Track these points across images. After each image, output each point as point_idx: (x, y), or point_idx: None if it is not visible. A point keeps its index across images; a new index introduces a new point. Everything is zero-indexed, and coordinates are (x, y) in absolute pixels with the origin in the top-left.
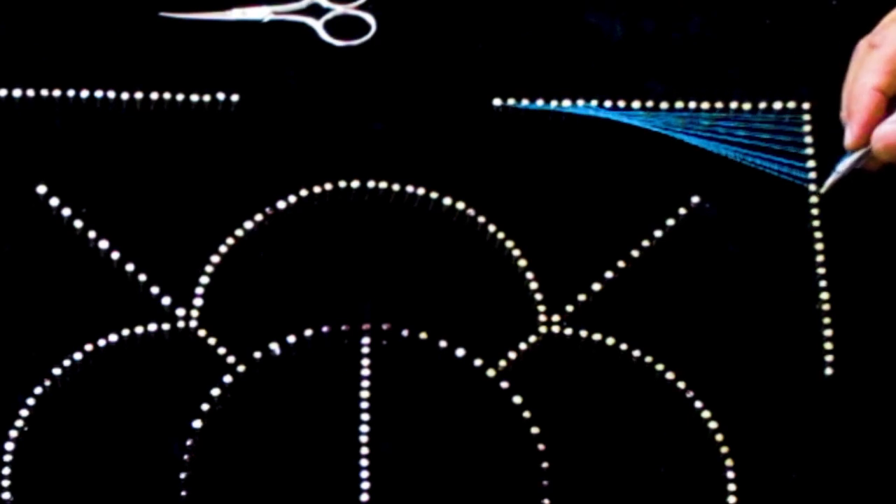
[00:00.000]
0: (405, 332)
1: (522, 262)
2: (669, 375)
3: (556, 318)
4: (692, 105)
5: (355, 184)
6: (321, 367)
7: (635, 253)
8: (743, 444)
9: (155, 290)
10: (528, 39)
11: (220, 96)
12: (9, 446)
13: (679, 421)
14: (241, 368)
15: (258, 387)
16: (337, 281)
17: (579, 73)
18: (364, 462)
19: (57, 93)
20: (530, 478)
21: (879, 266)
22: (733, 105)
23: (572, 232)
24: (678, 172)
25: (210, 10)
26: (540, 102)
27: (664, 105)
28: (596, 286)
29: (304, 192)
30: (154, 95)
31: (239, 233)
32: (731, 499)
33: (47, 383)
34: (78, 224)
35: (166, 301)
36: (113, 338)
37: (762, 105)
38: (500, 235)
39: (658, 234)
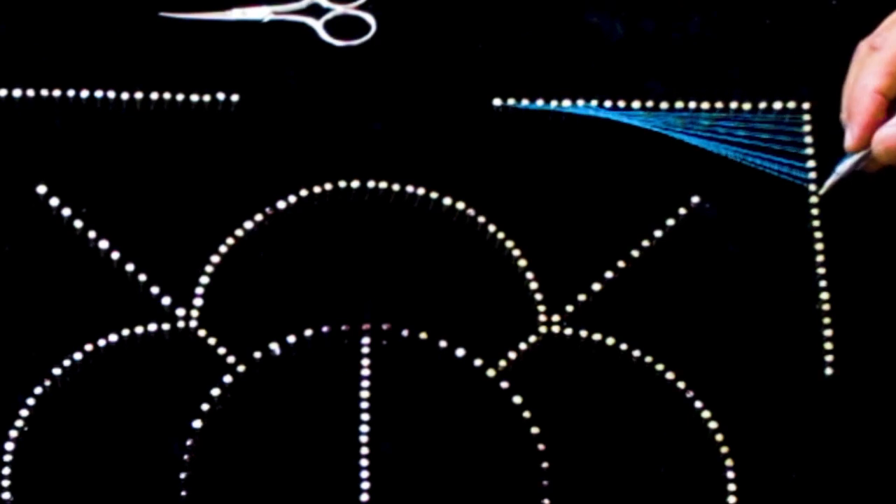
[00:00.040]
0: (405, 332)
1: (522, 262)
2: (669, 375)
3: (556, 318)
4: (692, 105)
5: (355, 184)
6: (321, 367)
7: (635, 253)
8: (743, 444)
9: (155, 290)
10: (528, 39)
11: (220, 96)
12: (9, 446)
13: (679, 421)
14: (241, 368)
15: (258, 387)
16: (337, 281)
17: (579, 73)
18: (364, 462)
19: (57, 93)
20: (530, 478)
21: (879, 266)
22: (733, 105)
23: (572, 232)
24: (678, 172)
25: (210, 10)
26: (540, 102)
27: (664, 105)
28: (596, 286)
29: (304, 192)
30: (154, 95)
31: (239, 233)
32: (731, 499)
33: (47, 383)
34: (78, 224)
35: (166, 301)
36: (113, 338)
37: (762, 105)
38: (500, 235)
39: (658, 234)
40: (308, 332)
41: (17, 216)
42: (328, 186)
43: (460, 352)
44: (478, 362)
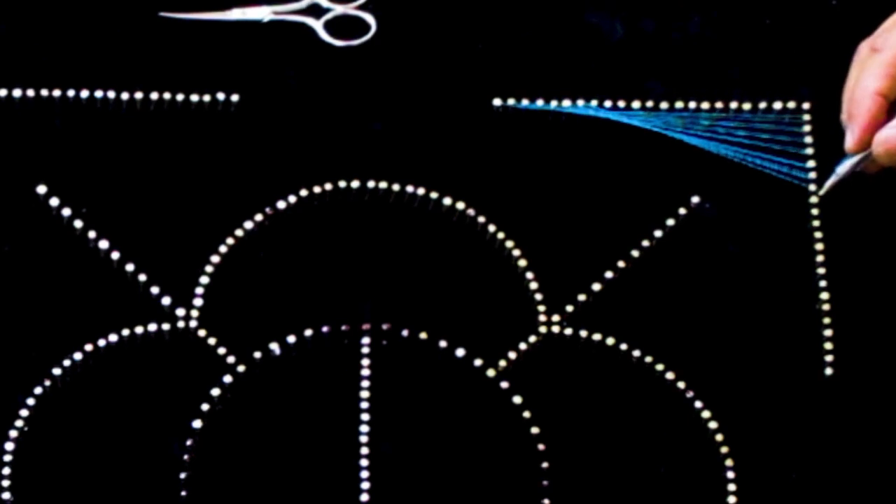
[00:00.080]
0: (405, 332)
1: (522, 262)
2: (669, 375)
3: (556, 318)
4: (692, 105)
5: (355, 184)
6: (321, 367)
7: (635, 253)
8: (743, 444)
9: (155, 290)
10: (528, 39)
11: (220, 96)
12: (9, 446)
13: (679, 421)
14: (241, 368)
15: (258, 387)
16: (337, 281)
17: (579, 73)
18: (364, 462)
19: (57, 93)
20: (530, 478)
21: (879, 266)
22: (733, 105)
23: (572, 232)
24: (678, 172)
25: (210, 10)
26: (540, 102)
27: (664, 105)
28: (596, 286)
29: (304, 192)
30: (154, 95)
31: (239, 233)
32: (731, 499)
33: (47, 383)
34: (78, 224)
35: (166, 301)
36: (113, 338)
37: (762, 105)
38: (500, 235)
39: (658, 234)
40: (308, 332)
41: (17, 216)
42: (328, 186)
43: (460, 352)
44: (478, 362)
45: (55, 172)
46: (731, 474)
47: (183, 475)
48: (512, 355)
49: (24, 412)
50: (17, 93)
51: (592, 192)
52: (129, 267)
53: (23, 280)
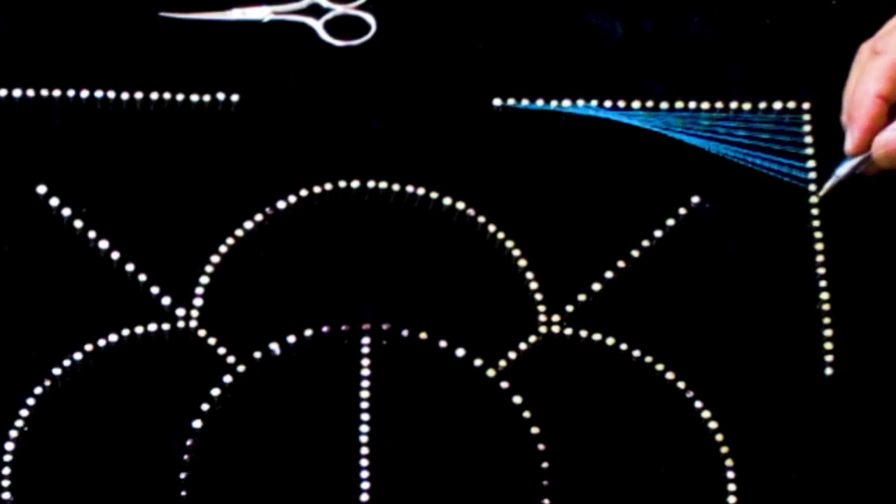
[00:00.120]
0: (405, 332)
1: (522, 262)
2: (669, 375)
3: (556, 318)
4: (692, 105)
5: (355, 184)
6: (321, 367)
7: (635, 253)
8: (743, 444)
9: (155, 290)
10: (528, 39)
11: (220, 96)
12: (9, 446)
13: (679, 421)
14: (241, 368)
15: (258, 387)
16: (337, 281)
17: (579, 73)
18: (364, 462)
19: (57, 93)
20: (530, 478)
21: (879, 266)
22: (733, 105)
23: (572, 232)
24: (678, 172)
25: (210, 10)
26: (540, 102)
27: (664, 105)
28: (596, 286)
29: (304, 192)
30: (154, 95)
31: (239, 233)
32: (731, 499)
33: (47, 383)
34: (78, 224)
35: (166, 301)
36: (113, 338)
37: (762, 105)
38: (500, 235)
39: (658, 234)
40: (308, 332)
41: (17, 216)
42: (328, 186)
43: (460, 352)
44: (478, 362)
45: (55, 172)
46: (731, 474)
47: (183, 475)
48: (512, 355)
49: (24, 412)
50: (17, 93)
51: (592, 192)
52: (129, 267)
53: (23, 280)
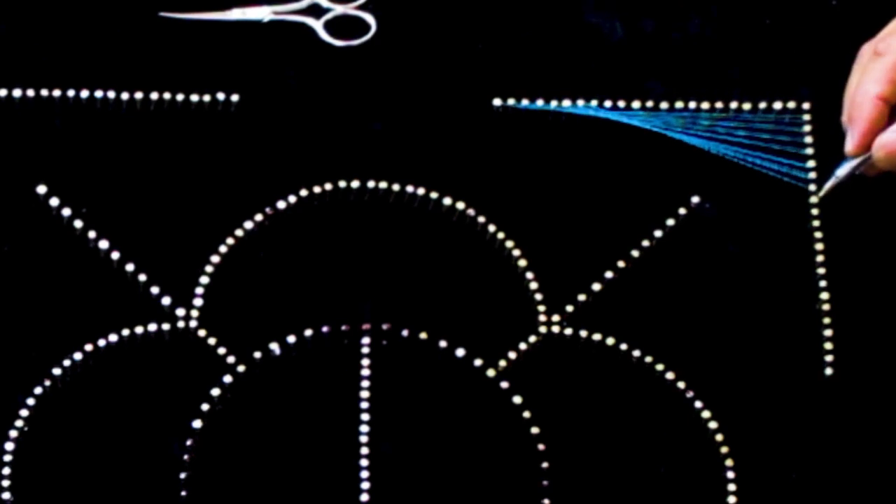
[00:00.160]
0: (405, 332)
1: (522, 262)
2: (669, 375)
3: (556, 318)
4: (692, 105)
5: (355, 184)
6: (321, 367)
7: (635, 253)
8: (743, 444)
9: (155, 290)
10: (528, 39)
11: (220, 96)
12: (9, 446)
13: (679, 421)
14: (241, 368)
15: (258, 387)
16: (337, 281)
17: (579, 73)
18: (364, 462)
19: (57, 93)
20: (530, 478)
21: (879, 266)
22: (733, 105)
23: (572, 232)
24: (678, 172)
25: (210, 10)
26: (540, 102)
27: (664, 105)
28: (596, 286)
29: (304, 192)
30: (154, 95)
31: (239, 233)
32: (731, 499)
33: (47, 383)
34: (78, 224)
35: (166, 301)
36: (113, 338)
37: (762, 105)
38: (500, 235)
39: (658, 234)
40: (308, 332)
41: (17, 216)
42: (328, 186)
43: (460, 352)
44: (478, 362)
45: (55, 172)
46: (731, 474)
47: (183, 475)
48: (512, 355)
49: (24, 412)
50: (17, 93)
51: (592, 192)
52: (129, 267)
53: (23, 280)
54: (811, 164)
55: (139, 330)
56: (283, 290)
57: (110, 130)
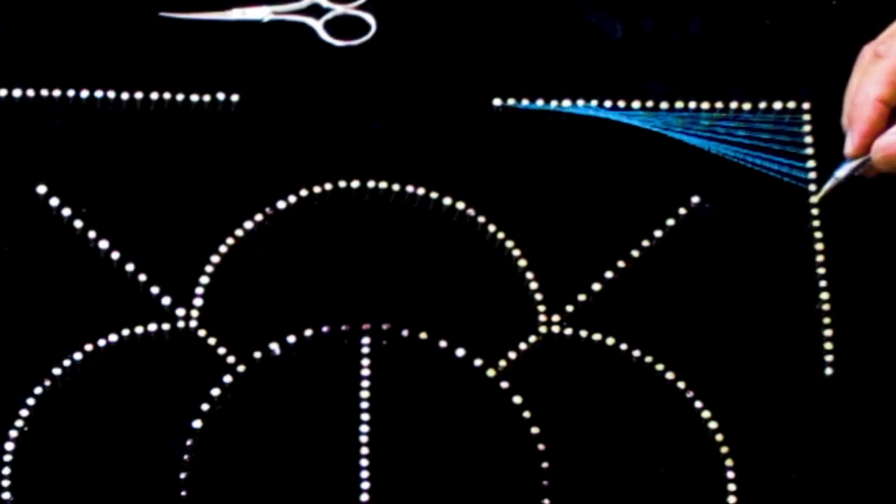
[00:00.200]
0: (405, 332)
1: (522, 262)
2: (669, 375)
3: (556, 318)
4: (692, 105)
5: (355, 184)
6: (321, 367)
7: (635, 253)
8: (743, 444)
9: (155, 290)
10: (528, 39)
11: (220, 96)
12: (9, 446)
13: (679, 421)
14: (241, 368)
15: (258, 387)
16: (337, 281)
17: (579, 73)
18: (364, 462)
19: (57, 93)
20: (530, 478)
21: (879, 266)
22: (733, 105)
23: (572, 232)
24: (678, 172)
25: (210, 10)
26: (540, 102)
27: (664, 105)
28: (596, 286)
29: (304, 192)
30: (154, 95)
31: (239, 233)
32: (731, 499)
33: (47, 383)
34: (78, 224)
35: (166, 301)
36: (113, 338)
37: (762, 105)
38: (500, 235)
39: (658, 234)
40: (308, 332)
41: (17, 216)
42: (328, 186)
43: (460, 352)
44: (478, 362)
45: (55, 172)
46: (731, 474)
47: (183, 475)
48: (512, 355)
49: (24, 412)
50: (17, 93)
51: (592, 192)
52: (129, 267)
53: (23, 280)
54: (811, 164)
55: (139, 330)
56: (283, 290)
57: (110, 130)
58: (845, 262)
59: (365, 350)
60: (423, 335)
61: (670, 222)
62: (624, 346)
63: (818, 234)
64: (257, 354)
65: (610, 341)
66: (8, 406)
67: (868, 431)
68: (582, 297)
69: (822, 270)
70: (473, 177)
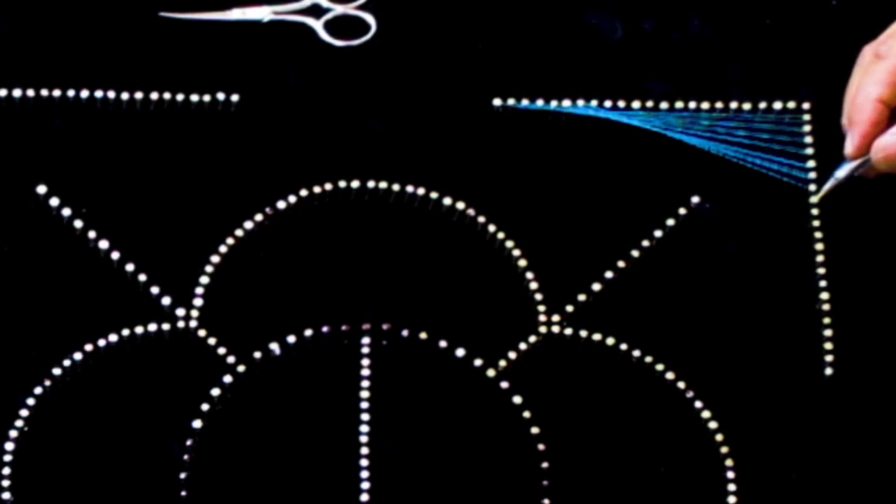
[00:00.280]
0: (405, 332)
1: (522, 262)
2: (669, 375)
3: (556, 318)
4: (692, 105)
5: (355, 184)
6: (321, 367)
7: (635, 253)
8: (743, 444)
9: (155, 290)
10: (528, 39)
11: (220, 96)
12: (9, 446)
13: (679, 421)
14: (241, 368)
15: (258, 387)
16: (337, 281)
17: (579, 73)
18: (364, 462)
19: (57, 93)
20: (530, 478)
21: (879, 266)
22: (733, 105)
23: (572, 232)
24: (678, 172)
25: (210, 10)
26: (540, 102)
27: (664, 105)
28: (596, 286)
29: (304, 192)
30: (154, 95)
31: (239, 233)
32: (731, 499)
33: (47, 383)
34: (78, 224)
35: (166, 301)
36: (113, 338)
37: (762, 105)
38: (500, 235)
39: (658, 234)
40: (308, 332)
41: (17, 216)
42: (328, 186)
43: (460, 352)
44: (478, 362)
45: (55, 172)
46: (731, 474)
47: (183, 475)
48: (512, 355)
49: (24, 412)
50: (17, 93)
51: (592, 192)
52: (129, 267)
53: (23, 280)
54: (811, 164)
55: (139, 330)
56: (283, 290)
57: (110, 130)
58: (845, 262)
59: (365, 350)
60: (423, 335)
61: (670, 222)
62: (624, 346)
63: (818, 234)
64: (257, 354)
65: (610, 341)
66: (8, 406)
67: (868, 431)
68: (582, 297)
69: (822, 270)
70: (473, 177)
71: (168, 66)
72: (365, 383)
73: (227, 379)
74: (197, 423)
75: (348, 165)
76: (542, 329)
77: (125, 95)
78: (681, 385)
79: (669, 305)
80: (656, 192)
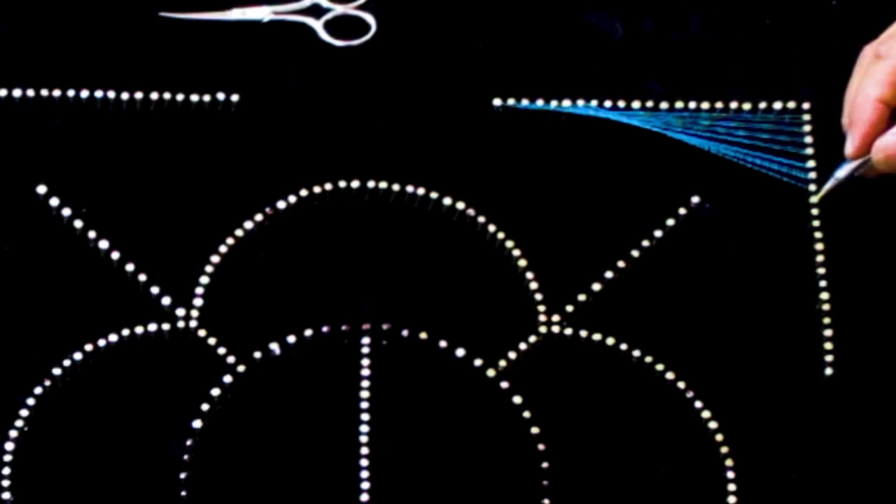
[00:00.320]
0: (405, 332)
1: (522, 262)
2: (669, 375)
3: (556, 318)
4: (692, 105)
5: (355, 184)
6: (321, 367)
7: (635, 253)
8: (743, 444)
9: (155, 290)
10: (528, 39)
11: (220, 96)
12: (9, 446)
13: (679, 421)
14: (241, 368)
15: (258, 387)
16: (337, 281)
17: (579, 73)
18: (364, 462)
19: (57, 93)
20: (530, 478)
21: (879, 266)
22: (733, 105)
23: (572, 232)
24: (678, 172)
25: (210, 10)
26: (540, 102)
27: (664, 105)
28: (596, 286)
29: (304, 192)
30: (154, 95)
31: (239, 233)
32: (731, 499)
33: (47, 383)
34: (78, 224)
35: (166, 301)
36: (113, 338)
37: (762, 105)
38: (500, 235)
39: (658, 234)
40: (308, 332)
41: (17, 216)
42: (328, 186)
43: (460, 352)
44: (478, 362)
45: (55, 172)
46: (731, 474)
47: (183, 475)
48: (512, 355)
49: (24, 412)
50: (17, 93)
51: (592, 192)
52: (129, 267)
53: (23, 280)
54: (811, 164)
55: (139, 330)
56: (283, 290)
57: (110, 130)
58: (845, 262)
59: (365, 350)
60: (423, 335)
61: (670, 222)
62: (624, 346)
63: (818, 234)
64: (257, 354)
65: (610, 341)
66: (8, 406)
67: (868, 431)
68: (582, 297)
69: (822, 270)
70: (473, 177)
71: (168, 66)
72: (365, 383)
73: (227, 379)
74: (197, 423)
75: (348, 165)
76: (542, 329)
77: (125, 95)
78: (681, 385)
79: (669, 305)
80: (656, 192)
